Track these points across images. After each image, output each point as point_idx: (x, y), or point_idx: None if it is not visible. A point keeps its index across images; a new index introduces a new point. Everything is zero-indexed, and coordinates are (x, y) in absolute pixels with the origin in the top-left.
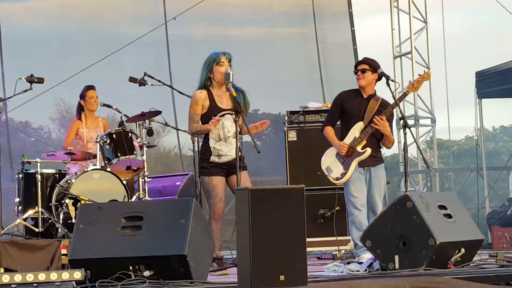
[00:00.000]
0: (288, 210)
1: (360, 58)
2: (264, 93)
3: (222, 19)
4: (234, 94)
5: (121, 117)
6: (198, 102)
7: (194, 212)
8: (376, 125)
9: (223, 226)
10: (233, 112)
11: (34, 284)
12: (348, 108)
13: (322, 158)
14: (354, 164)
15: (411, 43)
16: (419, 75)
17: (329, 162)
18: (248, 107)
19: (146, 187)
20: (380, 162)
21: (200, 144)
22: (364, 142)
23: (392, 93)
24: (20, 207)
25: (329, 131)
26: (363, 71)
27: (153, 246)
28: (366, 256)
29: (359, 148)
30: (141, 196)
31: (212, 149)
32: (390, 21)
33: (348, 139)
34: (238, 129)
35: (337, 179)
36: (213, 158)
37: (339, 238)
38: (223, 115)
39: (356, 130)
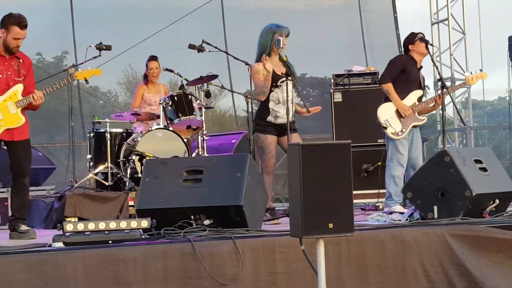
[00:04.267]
0: (336, 163)
1: (400, 25)
2: (310, 59)
3: None
4: (284, 58)
5: (181, 81)
6: (259, 72)
7: (249, 166)
8: (437, 102)
9: (274, 180)
10: (287, 76)
11: (106, 232)
12: (409, 72)
13: (380, 110)
14: (410, 126)
15: (448, 10)
16: (480, 70)
17: (388, 116)
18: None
19: (205, 145)
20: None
21: (254, 105)
22: (421, 109)
23: (431, 55)
24: (91, 163)
25: (392, 88)
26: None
27: (212, 197)
28: (397, 208)
29: (417, 114)
30: (200, 153)
31: (270, 110)
32: None
33: (408, 102)
34: (293, 94)
35: (396, 134)
36: (270, 118)
37: (382, 191)
38: (282, 81)
39: (415, 96)
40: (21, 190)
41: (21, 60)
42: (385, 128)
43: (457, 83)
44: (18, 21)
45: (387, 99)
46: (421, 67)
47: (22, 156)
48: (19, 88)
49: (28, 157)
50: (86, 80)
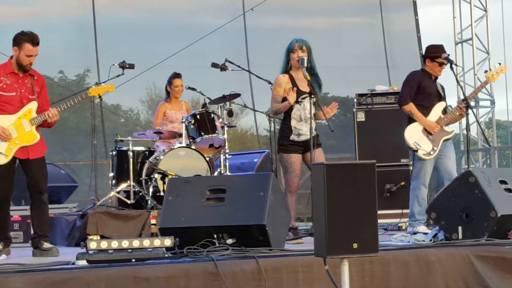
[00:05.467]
0: (361, 183)
1: (423, 45)
2: (333, 78)
3: (294, 10)
4: (308, 78)
5: (204, 100)
6: (281, 85)
7: (272, 185)
8: (462, 110)
9: (296, 199)
10: (310, 95)
11: (129, 250)
12: (425, 86)
13: (407, 133)
14: (441, 141)
15: (472, 30)
16: (499, 64)
17: (417, 137)
18: (321, 90)
19: (227, 163)
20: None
21: (276, 124)
22: (449, 121)
23: (455, 75)
24: (113, 181)
25: (414, 107)
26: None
27: (235, 216)
28: (421, 228)
29: (445, 127)
30: (222, 171)
31: (293, 128)
32: (452, 10)
33: (433, 118)
34: (313, 111)
35: (428, 154)
36: (293, 137)
37: (405, 211)
38: (304, 98)
39: (439, 109)
40: (39, 207)
41: (35, 78)
42: (416, 151)
43: (481, 103)
44: (31, 38)
45: (411, 120)
46: (436, 77)
47: (37, 174)
48: (33, 105)
49: (44, 174)
50: (99, 96)
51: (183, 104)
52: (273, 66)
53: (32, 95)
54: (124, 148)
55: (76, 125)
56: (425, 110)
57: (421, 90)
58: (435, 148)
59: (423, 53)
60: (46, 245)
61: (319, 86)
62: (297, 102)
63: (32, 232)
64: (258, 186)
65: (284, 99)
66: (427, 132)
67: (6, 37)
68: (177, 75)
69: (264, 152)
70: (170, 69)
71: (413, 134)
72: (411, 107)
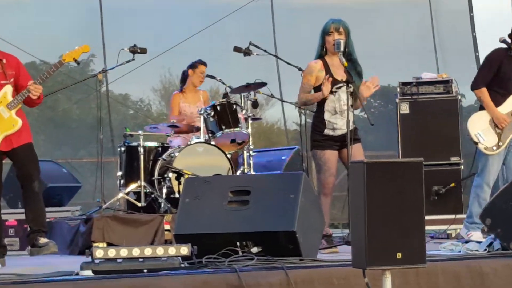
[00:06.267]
0: (406, 185)
1: (476, 26)
2: (372, 64)
3: None
4: (345, 64)
5: (225, 89)
6: (313, 72)
7: (304, 186)
8: None
9: (331, 203)
10: (347, 84)
11: (140, 259)
12: (507, 70)
13: (470, 122)
14: (509, 138)
15: None
16: None
17: (481, 128)
18: (362, 75)
19: (251, 161)
20: None
21: (307, 117)
22: None
23: None
24: (122, 181)
25: (486, 94)
26: None
27: (261, 222)
28: (476, 236)
29: None
30: (246, 171)
31: (326, 122)
32: None
33: (504, 109)
34: (350, 103)
35: (490, 149)
36: (327, 131)
37: (458, 216)
38: (339, 87)
39: None
40: (31, 197)
41: (3, 61)
42: (476, 143)
43: None
44: None
45: (482, 107)
46: None
47: (25, 159)
48: (7, 89)
49: (32, 159)
50: (75, 61)
51: (200, 95)
52: (304, 52)
53: (4, 80)
54: (134, 144)
55: (79, 117)
56: (501, 97)
57: (501, 73)
58: (501, 144)
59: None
60: (42, 240)
61: (358, 73)
62: (331, 92)
63: (28, 229)
64: (287, 187)
65: (317, 89)
66: (494, 124)
67: (13, 19)
68: (203, 62)
69: (293, 148)
70: (186, 54)
71: (478, 124)
72: (482, 93)
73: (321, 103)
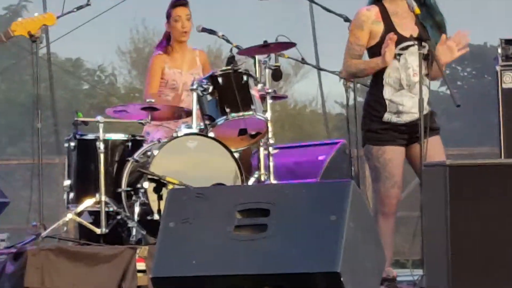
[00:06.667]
0: (508, 195)
1: None
2: (457, 15)
3: None
4: (417, 11)
5: (230, 50)
6: (364, 25)
7: (353, 203)
8: None
9: (396, 228)
10: (420, 43)
11: None
12: None
13: None
14: None
15: None
16: None
17: None
18: (444, 28)
19: (271, 163)
20: None
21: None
22: None
23: None
24: (71, 195)
25: None
26: None
27: (286, 258)
28: None
29: None
30: (263, 178)
31: (387, 102)
32: None
33: None
34: (425, 72)
35: None
36: (388, 116)
37: None
38: (406, 48)
39: None
40: None
41: None
42: None
43: None
44: None
45: None
46: None
47: None
48: None
49: None
50: (31, 36)
51: (196, 56)
52: None
53: None
54: (90, 137)
55: (5, 96)
56: None
57: None
58: None
59: None
60: None
61: (436, 25)
62: (394, 57)
63: None
64: (326, 205)
65: (373, 52)
66: None
67: None
68: (180, 1)
69: (336, 143)
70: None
71: None
72: None
73: (379, 74)
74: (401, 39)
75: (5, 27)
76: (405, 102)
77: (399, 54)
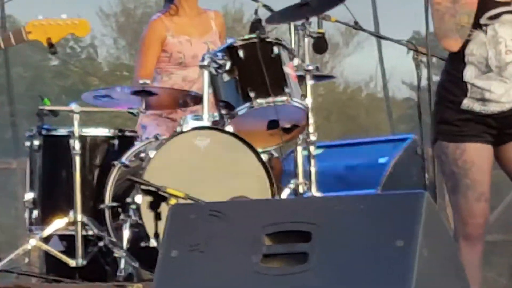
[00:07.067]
0: None
1: None
2: None
3: None
4: None
5: (255, 12)
6: None
7: (426, 223)
8: None
9: (484, 257)
10: None
11: None
12: None
13: None
14: None
15: None
16: None
17: None
18: None
19: (313, 169)
20: None
21: (433, 72)
22: None
23: None
24: (35, 213)
25: None
26: None
27: None
28: None
29: None
30: (301, 189)
31: (469, 86)
32: None
33: None
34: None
35: None
36: (468, 103)
37: None
38: (496, 16)
39: None
40: None
41: None
42: None
43: None
44: None
45: None
46: None
47: None
48: None
49: None
50: (51, 46)
51: (210, 18)
52: None
53: None
54: (61, 132)
55: None
56: None
57: None
58: None
59: None
60: None
61: None
62: (479, 26)
63: None
64: (390, 225)
65: None
66: None
67: None
68: None
69: (404, 140)
70: None
71: None
72: None
73: (460, 51)
74: (488, 3)
75: None
76: (494, 89)
77: (486, 25)
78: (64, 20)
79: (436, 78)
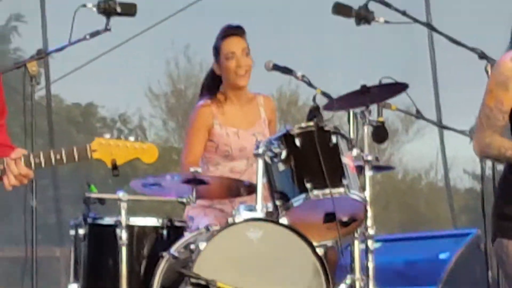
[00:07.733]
0: None
1: None
2: None
3: None
4: None
5: (314, 99)
6: (509, 83)
7: None
8: None
9: None
10: None
11: None
12: None
13: None
14: None
15: None
16: None
17: None
18: None
19: (371, 264)
20: None
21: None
22: None
23: None
24: None
25: None
26: None
27: None
28: None
29: None
30: (359, 284)
31: None
32: None
33: None
34: None
35: None
36: None
37: None
38: None
39: None
40: None
41: None
42: None
43: None
44: None
45: None
46: None
47: None
48: None
49: None
50: (114, 168)
51: (260, 105)
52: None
53: None
54: (108, 221)
55: None
56: None
57: None
58: None
59: None
60: None
61: None
62: None
63: None
64: None
65: None
66: None
67: None
68: (230, 30)
69: (466, 235)
70: (216, 14)
71: None
72: None
73: None
74: None
75: None
76: None
77: None
78: (132, 143)
79: (501, 167)
